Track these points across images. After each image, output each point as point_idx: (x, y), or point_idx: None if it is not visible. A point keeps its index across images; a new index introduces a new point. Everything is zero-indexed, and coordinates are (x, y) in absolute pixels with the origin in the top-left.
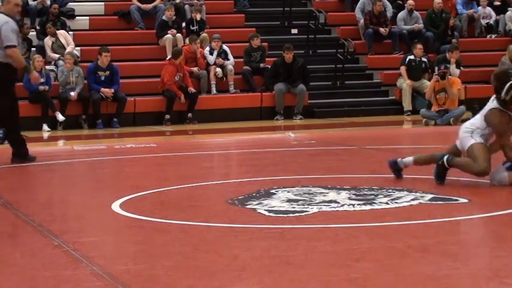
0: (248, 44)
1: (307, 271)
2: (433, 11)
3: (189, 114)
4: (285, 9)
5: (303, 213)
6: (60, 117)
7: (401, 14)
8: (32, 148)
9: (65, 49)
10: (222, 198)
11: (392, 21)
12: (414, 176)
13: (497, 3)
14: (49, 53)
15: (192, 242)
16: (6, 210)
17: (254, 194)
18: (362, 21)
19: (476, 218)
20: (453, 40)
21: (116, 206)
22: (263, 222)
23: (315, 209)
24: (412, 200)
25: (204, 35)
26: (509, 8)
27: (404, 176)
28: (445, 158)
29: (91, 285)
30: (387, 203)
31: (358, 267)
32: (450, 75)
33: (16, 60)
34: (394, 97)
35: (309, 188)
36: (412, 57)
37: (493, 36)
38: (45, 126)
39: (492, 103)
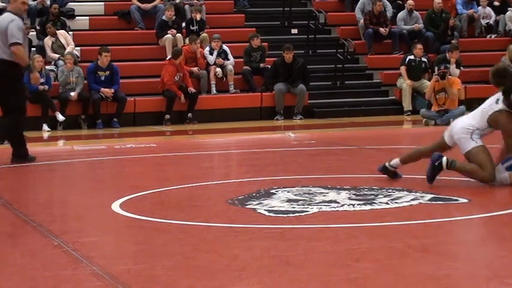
0: (248, 44)
1: (307, 271)
2: (433, 11)
3: (189, 114)
4: (285, 9)
5: (303, 213)
6: (60, 117)
7: (401, 14)
8: (32, 148)
9: (65, 49)
10: (222, 198)
11: (392, 21)
12: (414, 176)
13: (496, 3)
14: (49, 53)
15: (192, 242)
16: (6, 210)
17: (254, 194)
18: (362, 21)
19: (476, 218)
20: (453, 41)
21: (116, 206)
22: (263, 222)
23: (315, 209)
24: (412, 200)
25: (204, 35)
26: (509, 8)
27: (404, 176)
28: (444, 160)
29: (91, 285)
30: (387, 203)
31: (358, 267)
32: (450, 75)
33: (20, 57)
34: (394, 97)
35: (309, 188)
36: (412, 57)
37: (493, 36)
38: (45, 126)
39: (497, 105)
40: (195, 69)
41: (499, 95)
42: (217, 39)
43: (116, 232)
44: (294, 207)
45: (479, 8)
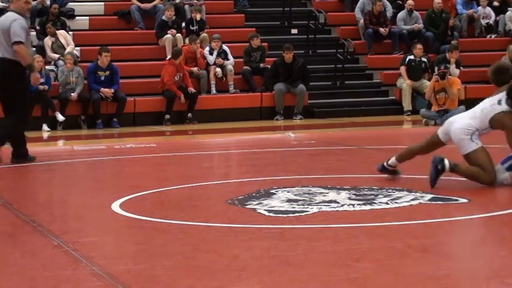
0: (248, 44)
1: (307, 271)
2: (433, 11)
3: (189, 114)
4: (285, 9)
5: (303, 213)
6: (60, 117)
7: (401, 14)
8: (32, 148)
9: (65, 49)
10: (222, 198)
11: (392, 21)
12: (414, 176)
13: (496, 3)
14: (49, 53)
15: (192, 242)
16: (6, 210)
17: (254, 194)
18: (362, 21)
19: (476, 218)
20: (452, 41)
21: (115, 206)
22: (263, 222)
23: (315, 209)
24: (412, 200)
25: (203, 35)
26: (509, 8)
27: (404, 176)
28: (447, 164)
29: (91, 285)
30: (387, 203)
31: (358, 267)
32: (450, 75)
33: (22, 56)
34: (394, 97)
35: (309, 188)
36: (412, 57)
37: (493, 36)
38: (45, 126)
39: (500, 106)
40: (195, 69)
41: (500, 96)
42: (217, 39)
43: (116, 232)
44: (294, 207)
45: (479, 8)
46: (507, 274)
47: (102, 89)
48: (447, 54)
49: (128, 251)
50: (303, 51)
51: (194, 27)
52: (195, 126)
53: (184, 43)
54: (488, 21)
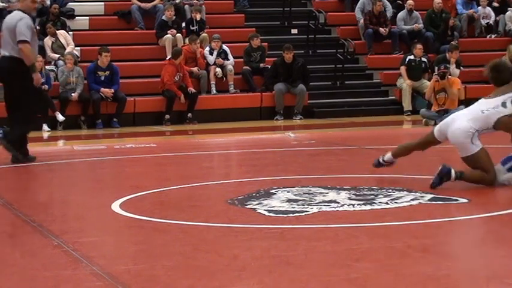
0: (248, 44)
1: (307, 271)
2: (433, 11)
3: (189, 114)
4: (285, 9)
5: (303, 213)
6: (60, 117)
7: (401, 14)
8: (32, 148)
9: (65, 49)
10: (222, 198)
11: (392, 21)
12: (414, 176)
13: (495, 4)
14: (49, 53)
15: (192, 242)
16: (6, 210)
17: (254, 194)
18: (362, 21)
19: (476, 218)
20: (452, 41)
21: (115, 206)
22: (263, 222)
23: (315, 209)
24: (412, 200)
25: (204, 35)
26: (509, 8)
27: (404, 176)
28: (453, 173)
29: (91, 285)
30: (387, 203)
31: (358, 267)
32: (450, 75)
33: (27, 55)
34: (394, 97)
35: (308, 188)
36: (412, 57)
37: (493, 36)
38: (45, 126)
39: (504, 109)
40: (195, 69)
41: (505, 97)
42: (217, 39)
43: (116, 232)
44: (293, 207)
45: (479, 8)
46: (507, 274)
47: (102, 89)
48: (447, 54)
49: (128, 251)
50: (303, 51)
51: (194, 27)
52: (195, 126)
53: (184, 43)
54: (488, 21)
